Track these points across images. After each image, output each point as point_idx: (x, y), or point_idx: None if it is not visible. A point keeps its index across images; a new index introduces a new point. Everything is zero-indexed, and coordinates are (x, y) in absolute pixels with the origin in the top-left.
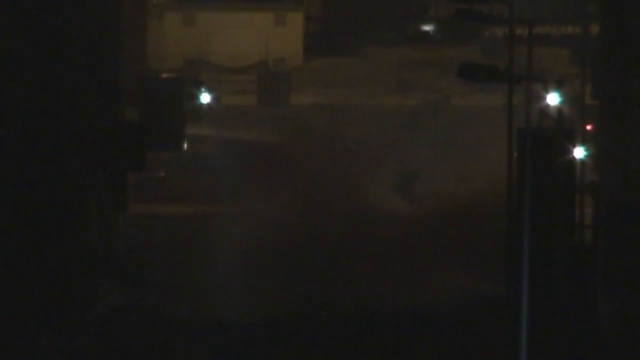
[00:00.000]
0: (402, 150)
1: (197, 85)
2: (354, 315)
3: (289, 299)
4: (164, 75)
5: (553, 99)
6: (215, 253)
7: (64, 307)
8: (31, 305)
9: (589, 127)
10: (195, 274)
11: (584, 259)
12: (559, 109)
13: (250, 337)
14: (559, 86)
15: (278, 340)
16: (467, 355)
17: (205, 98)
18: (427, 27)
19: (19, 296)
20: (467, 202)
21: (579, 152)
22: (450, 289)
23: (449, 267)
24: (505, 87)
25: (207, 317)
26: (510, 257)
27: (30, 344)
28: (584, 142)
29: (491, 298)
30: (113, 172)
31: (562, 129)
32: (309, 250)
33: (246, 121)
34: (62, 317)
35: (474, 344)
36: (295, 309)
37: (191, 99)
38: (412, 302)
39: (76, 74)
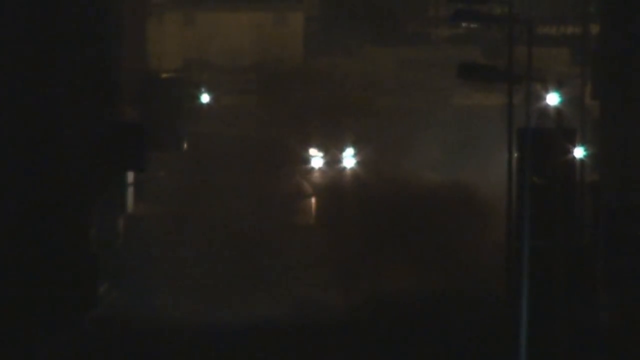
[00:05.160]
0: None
1: (197, 85)
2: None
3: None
4: (164, 75)
5: (553, 99)
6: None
7: (64, 307)
8: (31, 305)
9: None
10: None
11: (584, 259)
12: (558, 110)
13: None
14: (559, 86)
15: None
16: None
17: (204, 98)
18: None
19: (18, 296)
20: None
21: (579, 152)
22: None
23: None
24: (505, 87)
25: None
26: (510, 257)
27: (30, 344)
28: (583, 142)
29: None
30: (113, 173)
31: (562, 129)
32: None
33: (245, 122)
34: (62, 317)
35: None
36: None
37: (191, 99)
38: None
39: (76, 74)
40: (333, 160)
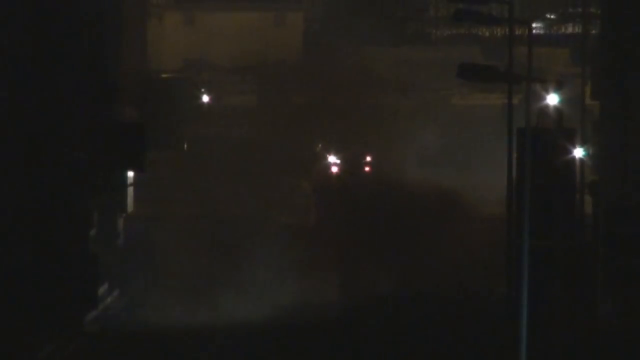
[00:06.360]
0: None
1: (197, 85)
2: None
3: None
4: (164, 76)
5: (553, 99)
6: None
7: (64, 307)
8: (31, 305)
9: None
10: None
11: (584, 259)
12: (558, 109)
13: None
14: (559, 86)
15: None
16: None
17: (204, 98)
18: None
19: (19, 296)
20: None
21: (579, 152)
22: None
23: None
24: (505, 87)
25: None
26: (510, 256)
27: (30, 344)
28: (583, 142)
29: None
30: (113, 172)
31: (562, 129)
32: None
33: (245, 122)
34: (62, 317)
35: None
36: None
37: (191, 99)
38: None
39: (76, 74)
40: (349, 166)
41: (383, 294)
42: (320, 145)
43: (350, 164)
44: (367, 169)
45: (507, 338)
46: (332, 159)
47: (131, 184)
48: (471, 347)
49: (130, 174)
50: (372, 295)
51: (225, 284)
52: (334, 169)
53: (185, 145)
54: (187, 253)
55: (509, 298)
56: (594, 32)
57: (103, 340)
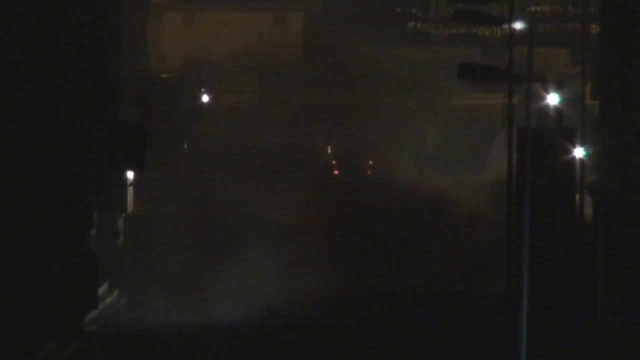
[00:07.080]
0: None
1: (197, 85)
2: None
3: None
4: (164, 75)
5: (553, 99)
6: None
7: (64, 307)
8: (31, 305)
9: None
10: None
11: (584, 259)
12: (558, 109)
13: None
14: (559, 86)
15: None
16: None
17: (204, 98)
18: None
19: (18, 296)
20: None
21: (579, 152)
22: None
23: None
24: (505, 87)
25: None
26: (510, 256)
27: (30, 344)
28: (583, 142)
29: None
30: (113, 173)
31: (562, 129)
32: None
33: (245, 121)
34: (62, 317)
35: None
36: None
37: (191, 99)
38: None
39: (76, 75)
40: (350, 168)
41: (380, 292)
42: (330, 149)
43: (352, 166)
44: (369, 171)
45: (507, 338)
46: (333, 160)
47: (131, 184)
48: (471, 347)
49: (130, 174)
50: (369, 294)
51: (221, 284)
52: (335, 171)
53: (185, 145)
54: (185, 253)
55: (509, 298)
56: (594, 32)
57: (103, 340)
